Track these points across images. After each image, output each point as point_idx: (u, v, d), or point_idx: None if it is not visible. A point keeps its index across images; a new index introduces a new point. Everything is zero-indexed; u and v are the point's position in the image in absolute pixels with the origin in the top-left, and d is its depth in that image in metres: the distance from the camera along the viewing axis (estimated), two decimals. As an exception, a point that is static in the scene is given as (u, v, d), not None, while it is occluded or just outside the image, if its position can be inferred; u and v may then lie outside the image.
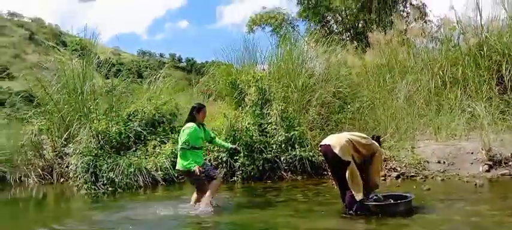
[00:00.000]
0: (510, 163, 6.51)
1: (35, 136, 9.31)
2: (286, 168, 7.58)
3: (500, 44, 9.13)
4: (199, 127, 5.43)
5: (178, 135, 5.79)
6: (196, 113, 5.43)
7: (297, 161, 7.48)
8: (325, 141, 4.76)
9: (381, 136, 5.15)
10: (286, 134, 7.70)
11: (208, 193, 5.26)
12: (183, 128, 5.39)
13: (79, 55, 10.62)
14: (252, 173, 7.52)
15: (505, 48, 9.04)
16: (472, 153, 6.91)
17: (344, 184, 4.59)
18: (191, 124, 5.33)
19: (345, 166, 4.53)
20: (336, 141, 4.65)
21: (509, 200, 5.07)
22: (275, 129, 7.85)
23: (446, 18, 11.03)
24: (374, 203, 4.64)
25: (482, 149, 6.79)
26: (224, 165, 7.63)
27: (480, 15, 9.71)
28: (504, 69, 8.76)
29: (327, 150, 4.65)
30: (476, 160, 6.76)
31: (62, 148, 8.94)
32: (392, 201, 4.75)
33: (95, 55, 10.62)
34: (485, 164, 6.61)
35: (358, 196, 4.51)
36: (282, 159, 7.58)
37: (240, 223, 4.95)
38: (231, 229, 4.90)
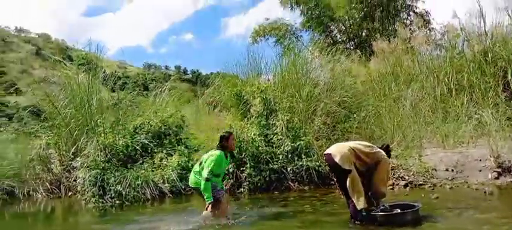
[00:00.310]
0: (519, 170, 6.46)
1: (43, 150, 9.37)
2: (293, 178, 7.55)
3: (505, 50, 9.12)
4: (226, 156, 5.41)
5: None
6: (226, 141, 5.38)
7: (304, 171, 7.45)
8: (327, 150, 4.83)
9: (389, 145, 5.11)
10: (292, 144, 7.69)
11: (209, 211, 5.22)
12: (209, 154, 5.36)
13: (85, 69, 10.71)
14: (259, 184, 7.51)
15: (510, 55, 9.03)
16: (480, 160, 6.86)
17: (348, 193, 4.60)
18: (218, 152, 5.30)
19: (346, 174, 4.55)
20: (336, 149, 4.72)
21: (519, 207, 5.01)
22: (281, 139, 7.84)
23: (450, 25, 11.06)
24: (381, 213, 4.62)
25: (490, 156, 6.74)
26: (231, 176, 7.63)
27: (484, 21, 9.73)
28: (510, 75, 8.73)
29: (329, 159, 4.71)
30: (485, 168, 6.70)
31: (70, 162, 8.98)
32: (399, 210, 4.72)
33: (101, 69, 10.72)
34: (494, 171, 6.55)
35: (359, 205, 4.52)
36: (289, 169, 7.56)
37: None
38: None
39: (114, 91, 11.19)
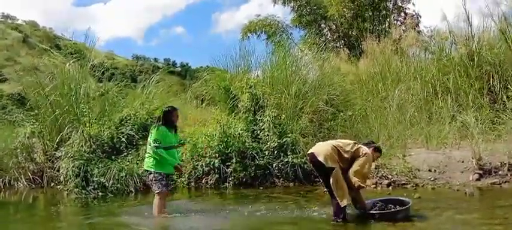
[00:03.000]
0: (500, 172, 6.58)
1: (26, 139, 9.22)
2: (278, 174, 7.57)
3: (491, 55, 9.27)
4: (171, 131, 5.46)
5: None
6: (168, 115, 5.47)
7: (289, 167, 7.48)
8: (311, 150, 4.87)
9: (375, 142, 5.14)
10: (279, 141, 7.71)
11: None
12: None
13: (73, 58, 10.56)
14: (244, 179, 7.52)
15: (496, 59, 9.18)
16: (462, 162, 6.97)
17: (331, 190, 4.64)
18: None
19: (330, 172, 4.61)
20: (319, 148, 4.78)
21: (498, 209, 5.11)
22: (268, 135, 7.86)
23: (439, 28, 11.21)
24: (378, 212, 4.78)
25: (472, 158, 6.85)
26: (216, 170, 7.62)
27: (470, 26, 9.88)
28: (494, 79, 8.88)
29: (312, 158, 4.76)
30: (467, 169, 6.81)
31: (53, 152, 8.86)
32: (392, 207, 4.85)
33: (89, 58, 10.57)
34: (476, 173, 6.67)
35: (343, 203, 4.57)
36: (274, 165, 7.58)
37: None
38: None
39: (101, 81, 11.06)
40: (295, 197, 6.47)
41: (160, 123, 5.38)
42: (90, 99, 9.32)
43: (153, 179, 5.29)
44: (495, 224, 4.49)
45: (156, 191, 5.27)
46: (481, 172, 6.65)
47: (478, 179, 6.57)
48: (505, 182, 6.39)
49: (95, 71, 11.03)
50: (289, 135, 7.76)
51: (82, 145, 8.03)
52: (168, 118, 5.43)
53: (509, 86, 8.64)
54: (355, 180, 4.61)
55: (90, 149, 7.99)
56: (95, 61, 11.76)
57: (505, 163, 6.58)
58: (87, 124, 8.36)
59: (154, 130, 5.32)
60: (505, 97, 8.49)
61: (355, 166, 4.65)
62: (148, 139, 5.42)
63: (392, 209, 4.83)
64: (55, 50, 12.48)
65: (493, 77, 8.97)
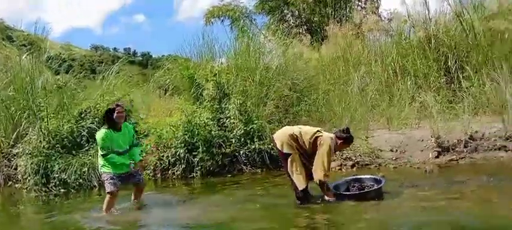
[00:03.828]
0: (457, 149, 6.88)
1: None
2: (245, 161, 7.57)
3: (447, 37, 9.63)
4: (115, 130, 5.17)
5: (134, 132, 5.63)
6: (110, 114, 5.11)
7: (256, 154, 7.50)
8: (273, 135, 5.03)
9: (349, 128, 5.19)
10: (245, 128, 7.70)
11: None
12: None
13: (27, 50, 10.05)
14: (211, 168, 7.47)
15: (452, 41, 9.55)
16: (422, 141, 7.24)
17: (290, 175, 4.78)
18: (101, 131, 5.14)
19: (287, 157, 4.73)
20: (278, 135, 4.93)
21: (455, 185, 5.34)
22: (234, 123, 7.83)
23: (398, 12, 11.51)
24: (348, 193, 4.95)
25: (431, 137, 7.13)
26: (182, 161, 7.53)
27: (428, 9, 10.21)
28: (450, 60, 9.24)
29: (274, 144, 4.93)
30: (426, 148, 7.08)
31: (10, 149, 8.45)
32: (367, 186, 5.04)
33: (44, 50, 10.09)
34: (435, 151, 6.95)
35: (300, 187, 4.71)
36: (241, 152, 7.57)
37: (198, 219, 4.90)
38: (191, 226, 4.81)
39: (58, 74, 10.60)
40: (262, 183, 6.51)
41: (105, 126, 5.09)
42: (47, 93, 8.91)
43: (104, 179, 5.20)
44: (453, 199, 4.72)
45: (106, 191, 5.15)
46: (439, 150, 6.93)
47: (436, 157, 6.85)
48: (462, 158, 6.70)
49: (51, 63, 10.57)
50: (256, 122, 7.75)
51: (40, 141, 7.69)
52: (110, 119, 5.08)
53: (464, 67, 9.01)
54: (316, 177, 4.72)
55: (49, 145, 7.66)
56: (51, 52, 11.27)
57: (462, 141, 6.89)
58: (45, 119, 8.01)
59: (99, 138, 5.05)
60: (461, 77, 8.85)
61: (315, 162, 4.72)
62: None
63: (366, 189, 4.98)
64: (7, 42, 11.86)
65: (449, 59, 9.32)
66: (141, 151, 5.73)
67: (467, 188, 5.16)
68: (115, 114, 5.06)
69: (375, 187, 4.95)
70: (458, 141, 6.92)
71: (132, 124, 5.52)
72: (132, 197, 5.51)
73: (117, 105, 5.19)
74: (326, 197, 4.81)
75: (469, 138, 6.90)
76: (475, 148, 6.79)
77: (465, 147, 6.84)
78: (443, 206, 4.47)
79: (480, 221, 3.92)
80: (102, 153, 5.07)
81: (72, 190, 7.03)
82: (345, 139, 4.94)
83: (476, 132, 6.99)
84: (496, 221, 3.89)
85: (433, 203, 4.57)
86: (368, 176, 5.38)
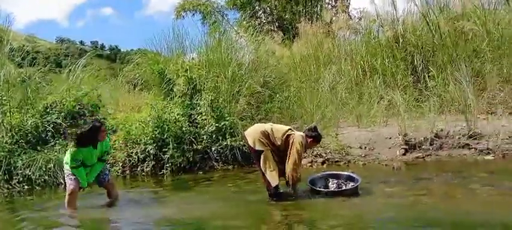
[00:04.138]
0: (423, 146, 7.08)
1: None
2: (217, 158, 7.52)
3: (414, 37, 9.91)
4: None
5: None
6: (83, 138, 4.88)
7: (228, 151, 7.46)
8: (245, 132, 5.04)
9: (316, 126, 5.25)
10: (217, 124, 7.64)
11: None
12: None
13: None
14: (182, 165, 7.37)
15: (418, 41, 9.84)
16: (390, 138, 7.41)
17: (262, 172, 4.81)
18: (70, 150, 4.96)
19: (260, 154, 4.76)
20: (250, 132, 4.97)
21: (422, 181, 5.51)
22: (205, 119, 7.75)
23: (367, 11, 11.73)
24: (326, 190, 5.04)
25: (399, 134, 7.32)
26: (152, 157, 7.39)
27: (395, 9, 10.47)
28: (417, 60, 9.52)
29: (245, 141, 4.96)
30: (394, 145, 7.26)
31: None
32: (343, 183, 5.16)
33: (7, 42, 9.62)
34: (402, 148, 7.13)
35: (273, 183, 4.75)
36: (213, 149, 7.51)
37: (170, 217, 4.82)
38: (162, 224, 4.73)
39: (22, 67, 10.14)
40: (234, 180, 6.48)
41: (88, 142, 4.84)
42: (10, 86, 8.51)
43: (66, 174, 5.06)
44: (420, 195, 4.88)
45: (67, 189, 5.02)
46: (406, 147, 7.12)
47: (404, 154, 7.04)
48: (428, 156, 6.91)
49: (14, 55, 10.09)
50: (227, 118, 7.71)
51: (3, 136, 7.36)
52: (94, 138, 4.86)
53: (430, 67, 9.30)
54: (288, 174, 4.78)
55: (12, 140, 7.34)
56: (13, 44, 10.76)
57: (428, 138, 7.10)
58: (8, 114, 7.66)
59: (71, 155, 4.85)
60: (427, 77, 9.13)
61: (288, 160, 4.77)
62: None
63: (344, 188, 5.08)
64: (-35, 33, 11.20)
65: (416, 58, 9.59)
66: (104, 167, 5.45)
67: (433, 185, 5.34)
68: (100, 134, 4.89)
69: (352, 184, 5.04)
70: (424, 138, 7.14)
71: (108, 141, 5.29)
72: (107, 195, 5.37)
73: (102, 124, 5.02)
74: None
75: (434, 136, 7.11)
76: (440, 145, 7.01)
77: (431, 144, 7.05)
78: (411, 202, 4.61)
79: (445, 216, 4.06)
80: (72, 165, 4.87)
81: (37, 187, 6.76)
82: (314, 137, 5.02)
83: (442, 130, 7.22)
84: (460, 216, 4.04)
85: (402, 199, 4.70)
86: (344, 172, 5.48)
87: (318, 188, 5.04)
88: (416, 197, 4.78)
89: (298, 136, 4.83)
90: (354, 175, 5.25)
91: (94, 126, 4.88)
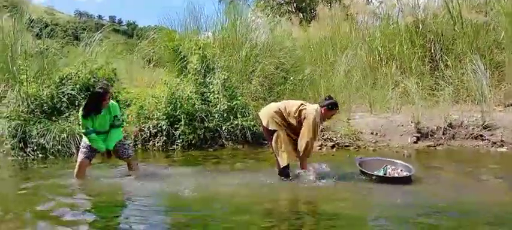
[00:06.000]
0: (435, 135, 7.02)
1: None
2: (227, 136, 7.58)
3: (435, 24, 9.67)
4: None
5: (115, 101, 5.54)
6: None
7: (239, 130, 7.51)
8: (259, 113, 5.04)
9: (330, 95, 5.13)
10: (229, 103, 7.67)
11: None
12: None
13: (8, 12, 9.72)
14: (193, 141, 7.46)
15: (438, 28, 9.60)
16: (402, 126, 7.35)
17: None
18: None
19: (272, 134, 4.76)
20: (264, 112, 4.94)
21: (432, 169, 5.46)
22: (217, 98, 7.79)
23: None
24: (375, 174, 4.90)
25: (411, 122, 7.24)
26: (164, 132, 7.48)
27: (417, -6, 10.20)
28: (436, 47, 9.31)
29: (259, 121, 4.93)
30: (406, 132, 7.20)
31: (-13, 112, 8.24)
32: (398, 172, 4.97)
33: (26, 12, 9.78)
34: (414, 136, 7.07)
35: (282, 163, 4.75)
36: (224, 128, 7.57)
37: (177, 192, 4.88)
38: (165, 198, 4.80)
39: (40, 38, 10.31)
40: (243, 159, 6.53)
41: (91, 109, 4.90)
42: (27, 56, 8.67)
43: (81, 146, 5.20)
44: (429, 184, 4.82)
45: (78, 159, 5.16)
46: (418, 135, 7.07)
47: (415, 142, 6.99)
48: (439, 145, 6.84)
49: (33, 27, 10.26)
50: (239, 98, 7.73)
51: (19, 105, 7.54)
52: (96, 102, 4.89)
53: (448, 55, 9.09)
54: (299, 147, 4.72)
55: (28, 109, 7.52)
56: (33, 16, 10.93)
57: (441, 128, 7.02)
58: (25, 83, 7.82)
59: (80, 116, 4.98)
60: (443, 65, 8.94)
61: (301, 134, 4.72)
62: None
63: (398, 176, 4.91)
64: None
65: (434, 46, 9.39)
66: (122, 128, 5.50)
67: (443, 174, 5.28)
68: (103, 102, 4.90)
69: (407, 173, 4.91)
70: (437, 127, 7.05)
71: (116, 103, 5.32)
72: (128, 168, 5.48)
73: (107, 92, 4.93)
74: (302, 170, 4.85)
75: (448, 126, 7.03)
76: (452, 135, 6.93)
77: (443, 134, 6.98)
78: (418, 189, 4.57)
79: (452, 205, 4.02)
80: (83, 131, 5.01)
81: (50, 156, 6.93)
82: (328, 105, 4.84)
83: (455, 119, 7.12)
84: (467, 206, 4.00)
85: (409, 186, 4.66)
86: (399, 161, 5.26)
87: (378, 175, 4.91)
88: (425, 185, 4.73)
89: (311, 109, 4.74)
90: (408, 165, 5.06)
91: (93, 93, 4.98)
